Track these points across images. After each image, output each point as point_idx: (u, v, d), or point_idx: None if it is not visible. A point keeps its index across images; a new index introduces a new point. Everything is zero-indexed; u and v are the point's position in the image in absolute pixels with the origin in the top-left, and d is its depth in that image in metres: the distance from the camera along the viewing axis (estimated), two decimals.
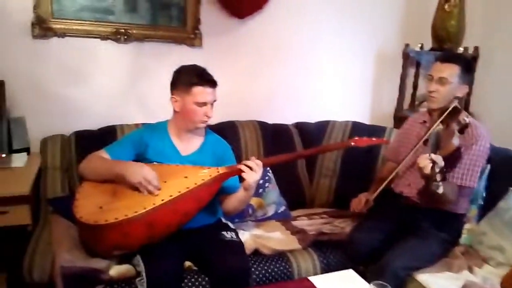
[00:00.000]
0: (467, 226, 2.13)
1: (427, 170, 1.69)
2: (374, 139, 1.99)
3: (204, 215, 1.80)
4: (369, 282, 1.54)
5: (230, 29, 2.52)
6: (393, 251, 1.85)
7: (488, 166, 2.15)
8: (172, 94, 1.81)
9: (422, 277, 1.81)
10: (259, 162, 1.72)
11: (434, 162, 1.68)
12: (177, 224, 1.67)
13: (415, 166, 1.96)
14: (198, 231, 1.79)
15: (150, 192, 1.61)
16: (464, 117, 1.85)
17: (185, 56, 2.41)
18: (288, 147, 2.53)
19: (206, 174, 1.69)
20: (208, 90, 1.76)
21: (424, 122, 2.07)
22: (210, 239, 1.79)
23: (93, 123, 2.28)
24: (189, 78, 1.75)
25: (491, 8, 2.68)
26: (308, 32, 2.72)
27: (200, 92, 1.74)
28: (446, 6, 2.66)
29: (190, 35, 2.41)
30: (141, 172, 1.62)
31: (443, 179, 1.70)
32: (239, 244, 1.84)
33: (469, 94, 2.78)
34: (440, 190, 1.68)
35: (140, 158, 1.80)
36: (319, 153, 2.60)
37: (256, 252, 1.95)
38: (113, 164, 1.70)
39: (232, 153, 1.96)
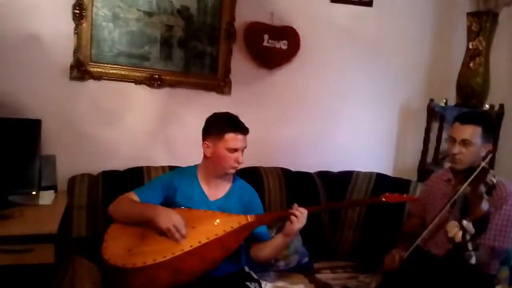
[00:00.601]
0: (497, 287, 2.05)
1: (458, 239, 1.63)
2: (405, 196, 1.96)
3: (228, 263, 1.76)
4: None
5: (258, 78, 2.59)
6: None
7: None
8: (204, 140, 1.83)
9: None
10: (305, 211, 1.71)
11: (464, 230, 1.63)
12: (202, 271, 1.63)
13: (443, 227, 1.92)
14: (222, 280, 1.75)
15: (176, 240, 1.60)
16: (491, 178, 1.79)
17: (213, 103, 2.47)
18: (312, 196, 2.52)
19: (235, 221, 1.68)
20: (240, 136, 1.78)
21: (449, 180, 2.03)
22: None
23: (121, 164, 2.31)
24: (222, 124, 1.78)
25: None
26: (334, 83, 2.77)
27: (232, 139, 1.76)
28: (471, 64, 2.70)
29: (220, 83, 2.48)
30: (171, 219, 1.61)
31: (475, 248, 1.63)
32: None
33: (494, 151, 2.76)
34: (473, 261, 1.60)
35: (169, 201, 1.80)
36: (350, 207, 2.60)
37: None
38: (143, 208, 1.70)
39: (259, 200, 1.95)
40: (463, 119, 1.92)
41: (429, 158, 3.03)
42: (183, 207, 1.76)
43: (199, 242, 1.58)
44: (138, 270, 1.51)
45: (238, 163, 1.80)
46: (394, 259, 1.99)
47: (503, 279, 2.07)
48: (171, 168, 2.25)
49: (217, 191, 1.86)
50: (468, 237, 1.62)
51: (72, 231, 2.06)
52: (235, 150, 1.77)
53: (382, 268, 2.06)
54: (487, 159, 1.87)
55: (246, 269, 1.96)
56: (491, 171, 1.89)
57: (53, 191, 2.15)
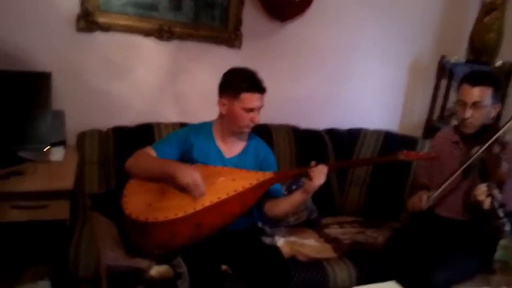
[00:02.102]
0: (502, 242, 2.11)
1: (487, 206, 1.63)
2: (422, 153, 1.96)
3: (242, 219, 1.78)
4: None
5: (270, 31, 2.50)
6: (433, 264, 1.82)
7: None
8: (220, 97, 1.79)
9: None
10: (324, 168, 1.71)
11: (493, 196, 1.63)
12: (221, 226, 1.66)
13: (454, 191, 1.96)
14: (236, 234, 1.78)
15: (195, 196, 1.60)
16: (503, 137, 1.79)
17: (224, 56, 2.40)
18: (321, 154, 2.52)
19: (253, 178, 1.68)
20: (257, 96, 1.74)
21: (457, 142, 2.00)
22: (250, 243, 1.78)
23: (130, 120, 2.27)
24: (239, 83, 1.73)
25: None
26: (346, 38, 2.70)
27: (249, 99, 1.72)
28: (486, 19, 2.64)
29: (231, 35, 2.39)
30: (192, 176, 1.61)
31: (507, 214, 1.62)
32: (278, 250, 1.82)
33: (501, 109, 2.75)
34: (508, 227, 1.60)
35: (185, 157, 1.79)
36: (368, 164, 2.61)
37: (292, 259, 1.94)
38: (164, 164, 1.69)
39: (274, 158, 1.94)
40: (473, 80, 1.84)
41: (436, 116, 3.03)
42: (199, 163, 1.76)
43: (219, 198, 1.60)
44: (160, 224, 1.53)
45: (254, 122, 1.77)
46: (421, 199, 1.92)
47: (506, 233, 2.13)
48: (182, 124, 2.22)
49: (232, 148, 1.85)
50: (496, 204, 1.62)
51: (85, 187, 2.05)
52: (251, 110, 1.74)
53: (407, 210, 2.04)
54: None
55: (260, 224, 1.99)
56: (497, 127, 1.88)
57: (62, 147, 2.12)
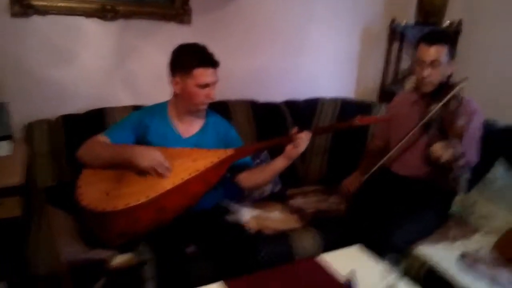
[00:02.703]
0: (457, 197, 2.20)
1: (447, 156, 1.68)
2: (377, 116, 1.99)
3: (205, 199, 1.76)
4: None
5: (220, 5, 2.43)
6: (392, 225, 1.88)
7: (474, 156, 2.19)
8: (171, 76, 1.73)
9: (421, 249, 1.86)
10: (309, 135, 1.73)
11: (453, 148, 1.68)
12: (185, 208, 1.64)
13: (411, 148, 2.02)
14: (200, 215, 1.76)
15: (161, 175, 1.56)
16: (459, 93, 1.85)
17: (174, 33, 2.32)
18: (281, 127, 2.52)
19: (214, 156, 1.65)
20: (210, 71, 1.69)
21: (415, 102, 2.04)
22: (214, 223, 1.77)
23: (80, 107, 2.16)
24: (189, 59, 1.67)
25: None
26: (299, 8, 2.67)
27: (202, 74, 1.67)
28: None
29: (179, 11, 2.30)
30: (152, 155, 1.56)
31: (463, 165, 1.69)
32: (243, 227, 1.83)
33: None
34: (468, 176, 1.68)
35: (141, 141, 1.73)
36: (328, 132, 2.65)
37: (259, 233, 1.94)
38: (119, 149, 1.63)
39: (236, 133, 1.92)
40: (430, 39, 1.89)
41: (390, 79, 3.08)
42: (157, 146, 1.71)
43: (182, 179, 1.56)
44: (121, 212, 1.48)
45: (210, 98, 1.72)
46: (352, 183, 2.08)
47: (462, 188, 2.23)
48: (136, 108, 2.14)
49: (190, 127, 1.81)
50: (457, 154, 1.68)
51: (37, 181, 1.96)
52: (206, 85, 1.69)
53: (341, 191, 2.17)
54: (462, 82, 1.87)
55: (224, 203, 1.98)
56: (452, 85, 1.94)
57: (9, 140, 2.00)
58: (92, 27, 2.16)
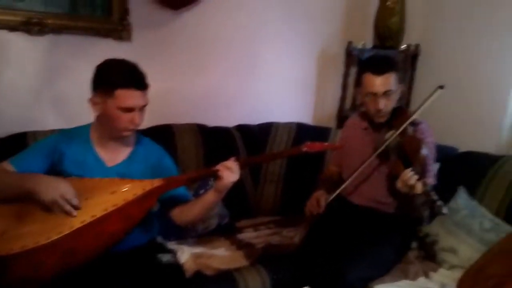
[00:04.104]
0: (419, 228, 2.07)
1: (419, 190, 1.56)
2: (326, 144, 1.85)
3: (136, 235, 1.54)
4: None
5: (163, 21, 2.25)
6: (348, 261, 1.73)
7: (438, 165, 2.09)
8: (92, 94, 1.51)
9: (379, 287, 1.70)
10: (234, 163, 1.51)
11: (422, 180, 1.58)
12: (102, 249, 1.39)
13: (368, 178, 1.92)
14: (128, 255, 1.53)
15: (67, 213, 1.32)
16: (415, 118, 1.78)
17: (111, 51, 2.05)
18: (231, 152, 2.31)
19: (138, 187, 1.43)
20: (136, 93, 1.46)
21: (366, 129, 1.97)
22: (143, 263, 1.54)
23: (2, 130, 1.93)
24: (113, 77, 1.46)
25: (431, 5, 2.66)
26: (250, 28, 2.53)
27: (125, 96, 1.45)
28: (388, 3, 2.61)
29: (117, 26, 2.11)
30: (57, 188, 1.33)
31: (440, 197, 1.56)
32: (177, 268, 1.61)
33: (410, 92, 2.77)
34: (445, 211, 1.53)
35: (55, 170, 1.50)
36: (271, 160, 2.46)
37: (198, 274, 1.72)
38: (21, 178, 1.38)
39: (171, 160, 1.70)
40: (377, 69, 1.80)
41: (348, 104, 2.97)
42: (73, 176, 1.48)
43: (93, 216, 1.33)
44: (16, 256, 1.24)
45: (135, 124, 1.50)
46: (318, 202, 1.89)
47: (424, 218, 2.09)
48: (62, 130, 1.91)
49: (115, 155, 1.58)
50: (429, 187, 1.57)
51: None
52: (130, 109, 1.47)
53: (305, 215, 1.97)
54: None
55: (159, 239, 1.75)
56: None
57: None
58: (17, 42, 1.95)
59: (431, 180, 1.77)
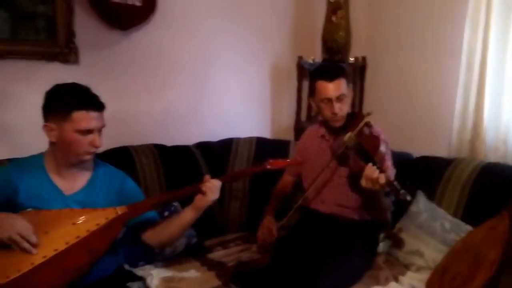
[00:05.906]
0: (382, 234, 2.11)
1: (382, 180, 1.60)
2: (288, 160, 1.93)
3: (102, 264, 1.44)
4: None
5: (112, 42, 2.19)
6: (319, 272, 1.71)
7: (394, 171, 2.14)
8: (45, 121, 1.44)
9: None
10: (219, 182, 1.52)
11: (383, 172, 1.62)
12: (66, 284, 1.30)
13: (328, 184, 1.96)
14: (95, 284, 1.44)
15: (26, 251, 1.22)
16: (368, 119, 1.85)
17: (58, 75, 1.96)
18: (192, 170, 2.29)
19: (101, 216, 1.35)
20: (94, 114, 1.42)
21: (323, 136, 2.02)
22: None
23: None
24: (68, 100, 1.40)
25: (374, 19, 2.77)
26: (200, 47, 2.52)
27: (83, 118, 1.39)
28: (333, 18, 2.70)
29: (63, 49, 2.03)
30: (13, 225, 1.25)
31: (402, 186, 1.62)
32: None
33: (361, 102, 2.85)
34: (409, 197, 1.60)
35: (9, 204, 1.39)
36: (240, 178, 2.45)
37: None
38: None
39: (133, 183, 1.64)
40: (328, 76, 1.88)
41: (304, 116, 3.02)
42: (29, 209, 1.37)
43: (55, 250, 1.24)
44: None
45: (95, 146, 1.45)
46: (270, 231, 1.97)
47: (388, 221, 2.12)
48: (12, 161, 1.78)
49: (73, 182, 1.49)
50: (391, 177, 1.64)
51: None
52: (89, 131, 1.42)
53: (258, 243, 2.04)
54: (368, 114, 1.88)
55: (127, 267, 1.67)
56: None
57: None
58: None
59: (391, 173, 1.83)
